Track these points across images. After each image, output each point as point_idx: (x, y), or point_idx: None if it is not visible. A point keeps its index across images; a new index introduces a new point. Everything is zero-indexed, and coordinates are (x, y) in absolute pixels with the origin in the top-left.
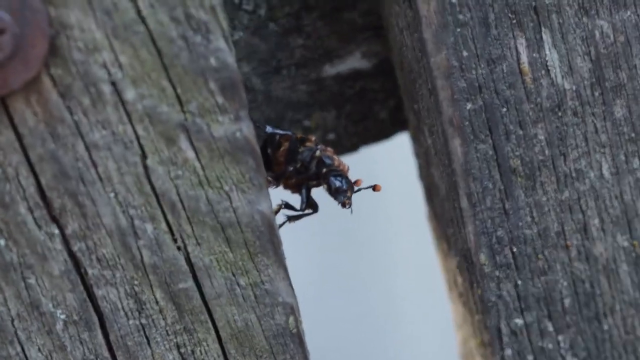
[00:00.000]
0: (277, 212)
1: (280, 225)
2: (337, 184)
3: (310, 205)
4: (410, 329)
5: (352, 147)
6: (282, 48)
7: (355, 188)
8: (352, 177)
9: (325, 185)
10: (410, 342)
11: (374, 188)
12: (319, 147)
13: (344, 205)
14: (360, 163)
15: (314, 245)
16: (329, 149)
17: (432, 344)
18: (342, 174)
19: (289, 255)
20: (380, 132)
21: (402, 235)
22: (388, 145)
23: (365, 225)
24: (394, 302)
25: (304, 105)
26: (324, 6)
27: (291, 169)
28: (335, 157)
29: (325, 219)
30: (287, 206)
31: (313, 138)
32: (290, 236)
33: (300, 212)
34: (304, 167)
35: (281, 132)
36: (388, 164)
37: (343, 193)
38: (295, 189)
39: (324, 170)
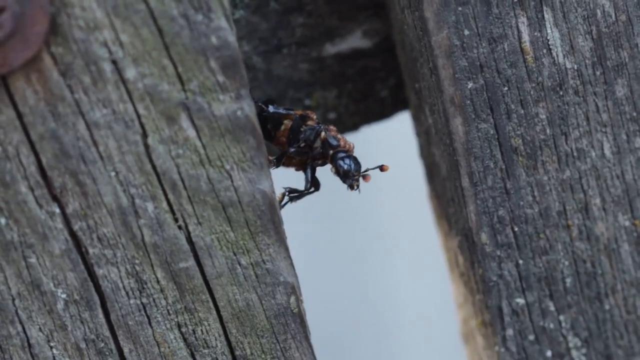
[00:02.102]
0: (282, 199)
1: (282, 205)
2: (346, 167)
3: (313, 184)
4: (409, 309)
5: (353, 127)
6: (282, 27)
7: (363, 169)
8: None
9: (334, 168)
10: (409, 322)
11: (381, 168)
12: (322, 126)
13: (352, 187)
14: (360, 142)
15: (313, 224)
16: (332, 127)
17: (431, 323)
18: (349, 156)
19: (289, 235)
20: (381, 112)
21: (403, 215)
22: (389, 125)
23: (365, 204)
24: (394, 282)
25: (304, 84)
26: None
27: (293, 149)
28: (340, 136)
29: (324, 198)
30: (292, 191)
31: (314, 116)
32: (288, 217)
33: (302, 191)
34: (307, 147)
35: (283, 111)
36: (389, 143)
37: (352, 176)
38: (298, 167)
39: (331, 152)
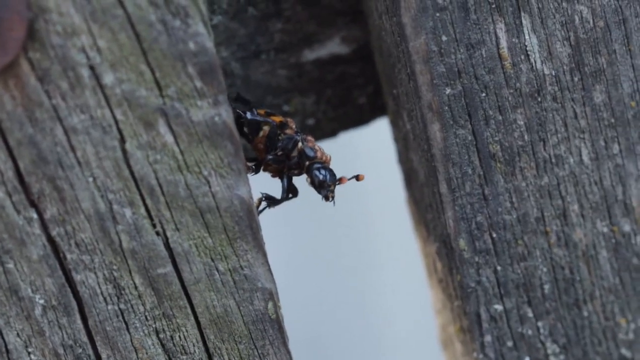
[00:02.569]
0: (258, 205)
1: (260, 211)
2: (321, 177)
3: (291, 190)
4: (392, 314)
5: (332, 133)
6: (261, 32)
7: (338, 181)
8: (333, 166)
9: (309, 179)
10: (391, 327)
11: (357, 178)
12: (300, 136)
13: (327, 198)
14: (339, 148)
15: (292, 231)
16: (309, 137)
17: (411, 329)
18: (325, 167)
19: (267, 241)
20: (360, 118)
21: (383, 220)
22: (367, 131)
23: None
24: (377, 287)
25: (283, 90)
26: None
27: (271, 157)
28: (317, 147)
29: (303, 204)
30: (268, 198)
31: (293, 125)
32: (268, 221)
33: (279, 199)
34: (285, 155)
35: (261, 119)
36: (367, 149)
37: (327, 187)
38: (275, 174)
39: (307, 162)
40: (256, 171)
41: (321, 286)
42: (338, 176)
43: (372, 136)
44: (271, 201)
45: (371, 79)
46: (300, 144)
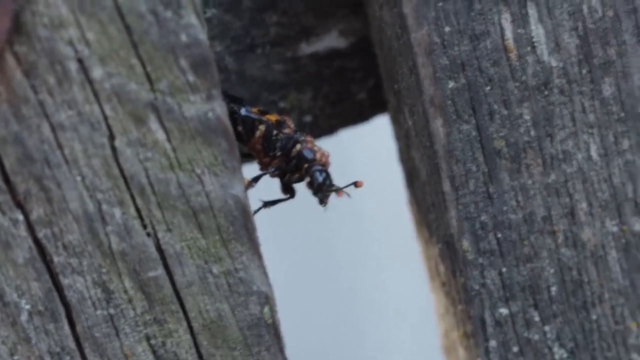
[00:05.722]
0: (247, 186)
1: (256, 211)
2: (320, 181)
3: (288, 190)
4: (390, 319)
5: (330, 130)
6: (256, 25)
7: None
8: (332, 166)
9: (308, 181)
10: (390, 332)
11: (356, 185)
12: (299, 135)
13: (321, 202)
14: (337, 147)
15: (289, 232)
16: (309, 137)
17: (412, 335)
18: (324, 170)
19: (263, 243)
20: (359, 114)
21: (382, 223)
22: (367, 128)
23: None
24: (374, 291)
25: (279, 85)
26: None
27: (273, 169)
28: (316, 147)
29: (299, 206)
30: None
31: (291, 123)
32: (264, 222)
33: (276, 198)
34: (284, 157)
35: (256, 117)
36: (367, 147)
37: (324, 191)
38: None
39: (306, 165)
40: (255, 184)
41: (320, 290)
42: (336, 185)
43: (370, 135)
44: (269, 201)
45: (371, 74)
46: (298, 145)
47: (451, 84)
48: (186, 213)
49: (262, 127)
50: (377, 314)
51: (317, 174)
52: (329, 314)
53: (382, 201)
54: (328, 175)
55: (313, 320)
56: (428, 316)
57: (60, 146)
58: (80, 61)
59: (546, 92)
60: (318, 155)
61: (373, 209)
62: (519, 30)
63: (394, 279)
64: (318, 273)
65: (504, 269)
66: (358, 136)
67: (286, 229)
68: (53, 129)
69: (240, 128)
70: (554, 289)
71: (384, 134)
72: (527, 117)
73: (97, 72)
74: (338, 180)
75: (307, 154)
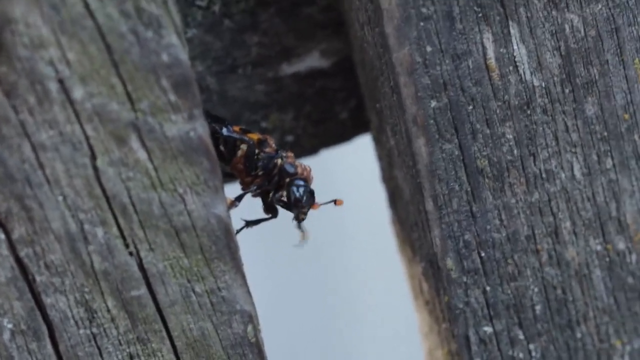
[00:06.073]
0: (230, 206)
1: (239, 231)
2: (297, 195)
3: (270, 210)
4: (373, 339)
5: (312, 150)
6: (237, 46)
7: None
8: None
9: (285, 194)
10: (372, 351)
11: (335, 202)
12: (281, 153)
13: (297, 218)
14: (319, 166)
15: (272, 251)
16: (289, 153)
17: (396, 353)
18: (305, 186)
19: (246, 262)
20: (341, 134)
21: (364, 241)
22: (349, 148)
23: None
24: (355, 310)
25: (261, 105)
26: (281, 2)
27: (255, 187)
28: (297, 163)
29: (283, 226)
30: (250, 223)
31: (272, 142)
32: (247, 241)
33: (259, 217)
34: (266, 175)
35: (237, 136)
36: (348, 167)
37: (300, 207)
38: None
39: (287, 179)
40: (239, 203)
41: (304, 309)
42: (316, 202)
43: (353, 155)
44: (251, 221)
45: (353, 94)
46: (279, 161)
47: (433, 104)
48: (168, 232)
49: (243, 147)
50: (362, 334)
51: (297, 188)
52: (313, 333)
53: (365, 221)
54: (309, 192)
55: (297, 340)
56: (413, 335)
57: (41, 166)
58: (61, 81)
59: (529, 112)
60: (299, 170)
61: (356, 229)
62: (501, 50)
63: (377, 299)
64: (302, 292)
65: (488, 288)
66: (340, 156)
67: (269, 249)
68: (34, 148)
69: (222, 148)
70: (538, 307)
71: (366, 154)
72: (510, 137)
73: (78, 92)
74: (320, 199)
75: (289, 168)
